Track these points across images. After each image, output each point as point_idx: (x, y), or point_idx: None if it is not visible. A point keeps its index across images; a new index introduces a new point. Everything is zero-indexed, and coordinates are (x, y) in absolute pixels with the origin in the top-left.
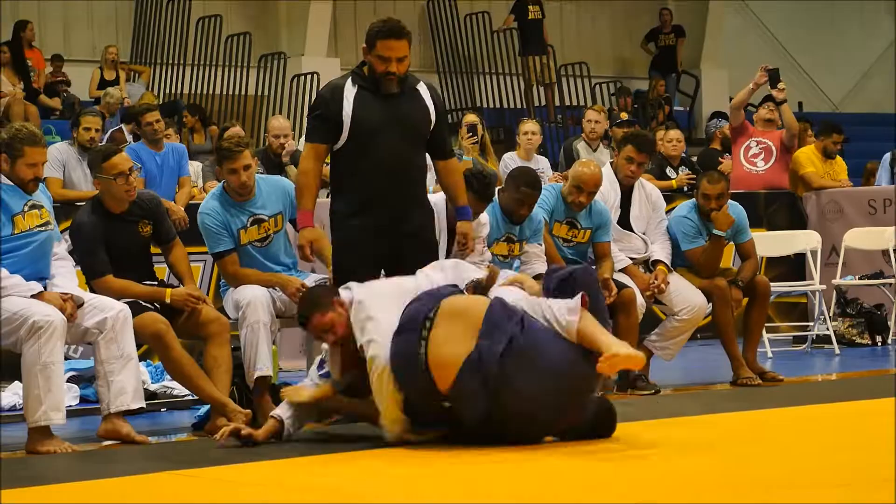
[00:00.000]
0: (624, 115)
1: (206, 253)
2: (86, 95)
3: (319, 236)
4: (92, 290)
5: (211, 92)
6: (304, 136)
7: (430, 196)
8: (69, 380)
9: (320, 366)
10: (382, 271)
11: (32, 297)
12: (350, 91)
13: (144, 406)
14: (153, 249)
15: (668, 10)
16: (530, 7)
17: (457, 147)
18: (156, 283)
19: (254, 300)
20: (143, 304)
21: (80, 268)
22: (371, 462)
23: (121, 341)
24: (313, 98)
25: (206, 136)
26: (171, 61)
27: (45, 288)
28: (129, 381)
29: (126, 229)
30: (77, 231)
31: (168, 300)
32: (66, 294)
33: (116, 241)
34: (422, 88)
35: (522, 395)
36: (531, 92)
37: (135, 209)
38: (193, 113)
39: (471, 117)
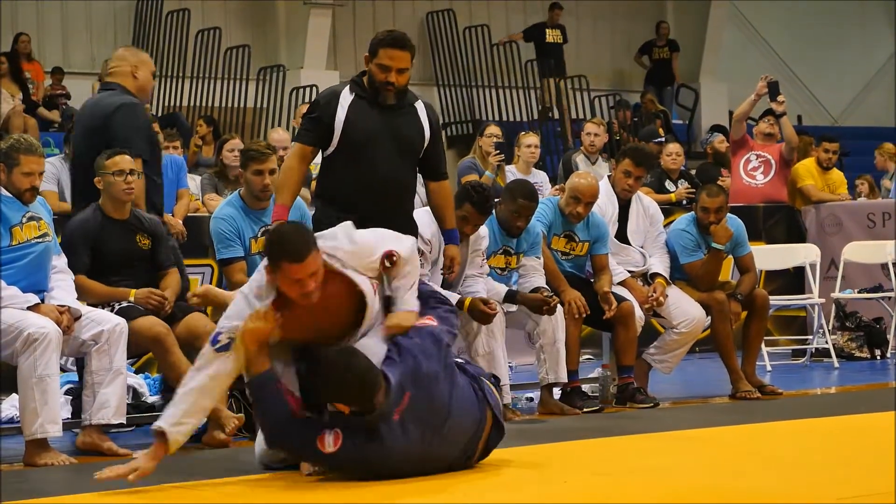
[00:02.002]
0: (661, 132)
1: (204, 265)
2: None
3: None
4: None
5: (210, 104)
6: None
7: (430, 209)
8: (67, 392)
9: (214, 339)
10: None
11: (29, 308)
12: (346, 98)
13: (125, 422)
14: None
15: (666, 23)
16: (549, 31)
17: (471, 156)
18: None
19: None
20: (143, 308)
21: None
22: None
23: (113, 354)
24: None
25: (214, 150)
26: (170, 73)
27: (42, 300)
28: (113, 396)
29: (122, 236)
30: (67, 226)
31: (132, 299)
32: (63, 306)
33: (110, 245)
34: (419, 106)
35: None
36: (546, 114)
37: (135, 220)
38: (209, 123)
39: (495, 130)
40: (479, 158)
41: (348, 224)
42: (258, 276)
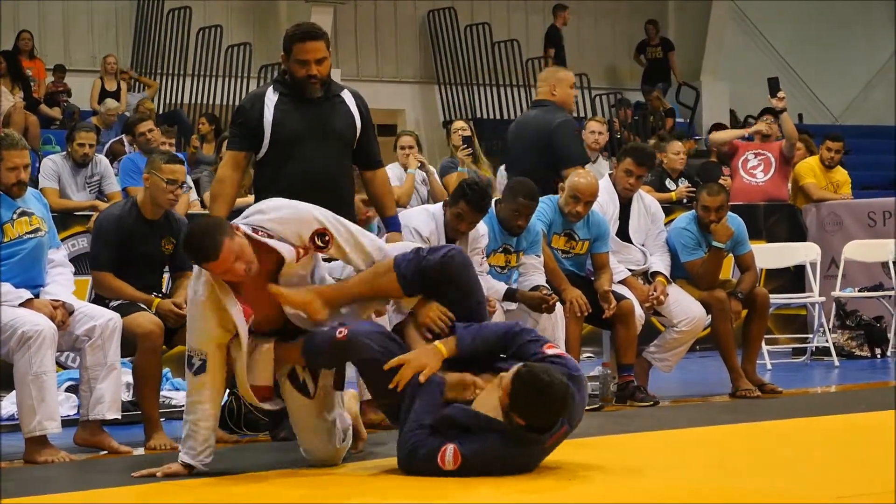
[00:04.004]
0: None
1: None
2: (86, 105)
3: None
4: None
5: (212, 102)
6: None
7: (428, 207)
8: (67, 389)
9: (189, 364)
10: None
11: (22, 304)
12: (271, 98)
13: (119, 417)
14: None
15: (653, 23)
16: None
17: (448, 157)
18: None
19: None
20: (142, 306)
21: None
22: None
23: (107, 349)
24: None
25: (215, 148)
26: (171, 71)
27: (37, 295)
28: (108, 391)
29: (150, 240)
30: (102, 219)
31: (154, 310)
32: (57, 301)
33: (137, 247)
34: (346, 95)
35: None
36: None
37: (165, 222)
38: (211, 122)
39: (460, 124)
40: (457, 158)
41: (278, 199)
42: (194, 282)
